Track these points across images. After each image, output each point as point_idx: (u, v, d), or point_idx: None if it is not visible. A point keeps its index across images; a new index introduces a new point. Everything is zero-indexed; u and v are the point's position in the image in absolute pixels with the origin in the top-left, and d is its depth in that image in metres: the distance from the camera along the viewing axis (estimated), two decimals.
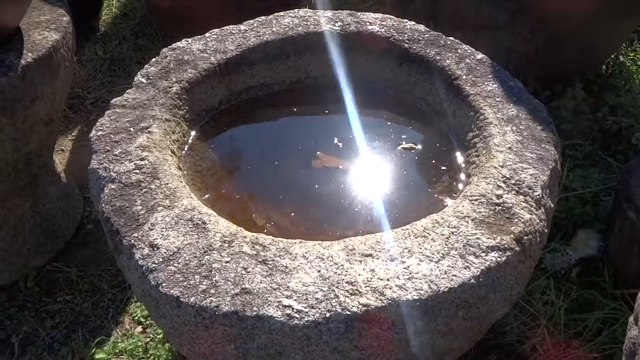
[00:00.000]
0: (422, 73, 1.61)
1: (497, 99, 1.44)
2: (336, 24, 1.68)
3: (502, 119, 1.37)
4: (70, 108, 2.68)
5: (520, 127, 1.35)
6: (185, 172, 1.37)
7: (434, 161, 1.47)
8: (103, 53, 2.96)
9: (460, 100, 1.49)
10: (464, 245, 1.06)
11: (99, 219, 1.23)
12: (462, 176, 1.40)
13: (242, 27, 1.68)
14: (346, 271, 1.01)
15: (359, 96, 1.65)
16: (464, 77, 1.52)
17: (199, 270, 1.02)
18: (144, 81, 1.48)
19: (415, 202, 1.38)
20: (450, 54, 1.57)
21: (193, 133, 1.50)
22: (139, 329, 1.82)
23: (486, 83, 1.49)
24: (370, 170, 1.46)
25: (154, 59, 1.54)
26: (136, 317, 1.84)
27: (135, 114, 1.38)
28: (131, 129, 1.33)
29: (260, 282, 0.99)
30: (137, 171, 1.23)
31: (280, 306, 0.95)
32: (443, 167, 1.44)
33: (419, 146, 1.52)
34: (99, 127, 1.34)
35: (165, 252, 1.05)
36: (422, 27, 1.69)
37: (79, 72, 2.80)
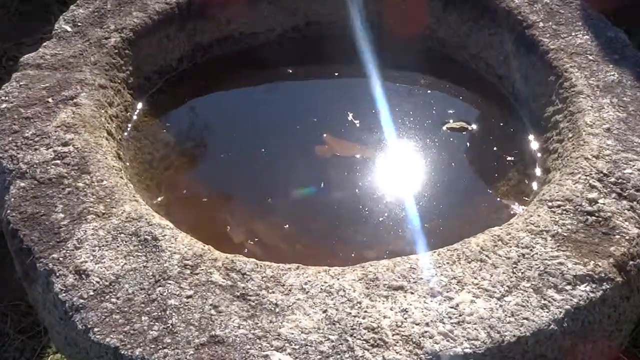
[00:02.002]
0: (479, 19, 1.59)
1: (590, 58, 1.43)
2: None
3: (597, 87, 1.37)
4: None
5: (624, 99, 1.34)
6: (128, 164, 1.36)
7: (495, 148, 1.47)
8: None
9: (535, 59, 1.48)
10: (540, 274, 1.05)
11: (2, 231, 1.23)
12: (538, 171, 1.39)
13: None
14: (365, 311, 1.00)
15: (385, 52, 1.64)
16: (541, 24, 1.51)
17: (148, 308, 1.01)
18: (69, 29, 1.47)
19: (467, 208, 1.37)
20: None
21: (140, 105, 1.49)
22: None
23: (573, 33, 1.48)
24: (400, 161, 1.46)
25: None
26: None
27: (56, 78, 1.37)
28: (49, 100, 1.33)
29: (238, 327, 0.99)
30: (58, 162, 1.22)
31: None
32: (509, 158, 1.44)
33: (473, 126, 1.52)
34: (3, 98, 1.34)
35: (98, 282, 1.05)
36: None
37: None
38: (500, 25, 1.57)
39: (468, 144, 1.49)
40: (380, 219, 1.33)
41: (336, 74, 1.65)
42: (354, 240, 1.29)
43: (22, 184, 1.19)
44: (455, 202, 1.38)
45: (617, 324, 1.09)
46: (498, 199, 1.36)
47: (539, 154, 1.41)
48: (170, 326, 0.99)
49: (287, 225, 1.31)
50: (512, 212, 1.32)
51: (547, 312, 1.01)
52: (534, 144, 1.44)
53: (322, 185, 1.39)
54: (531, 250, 1.09)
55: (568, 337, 1.02)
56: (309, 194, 1.39)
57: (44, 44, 1.47)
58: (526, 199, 1.34)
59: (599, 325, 1.06)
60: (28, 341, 1.92)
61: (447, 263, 1.07)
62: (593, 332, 1.05)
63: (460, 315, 1.00)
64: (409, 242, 1.28)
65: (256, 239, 1.28)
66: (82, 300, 1.03)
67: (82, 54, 1.43)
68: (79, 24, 1.50)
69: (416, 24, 1.70)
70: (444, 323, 0.99)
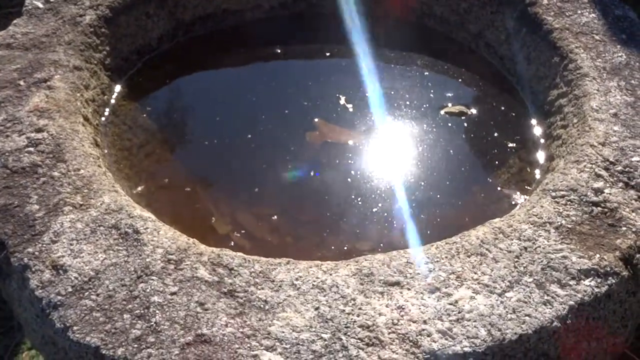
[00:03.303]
0: None
1: (596, 37, 1.43)
2: None
3: (603, 69, 1.37)
4: None
5: (632, 82, 1.35)
6: (106, 151, 1.36)
7: (496, 134, 1.48)
8: None
9: (538, 38, 1.49)
10: (542, 269, 1.06)
11: None
12: (541, 158, 1.40)
13: None
14: (360, 309, 1.01)
15: (379, 29, 1.65)
16: (545, 1, 1.51)
17: (130, 306, 1.01)
18: (40, 5, 1.46)
19: (466, 198, 1.38)
20: None
21: (118, 88, 1.49)
22: None
23: (579, 11, 1.49)
24: (395, 148, 1.46)
25: None
26: None
27: (28, 59, 1.36)
28: (21, 83, 1.32)
29: (226, 326, 0.99)
30: (32, 149, 1.22)
31: None
32: (510, 144, 1.45)
33: (473, 110, 1.53)
34: None
35: (76, 278, 1.05)
36: None
37: None
38: (502, 2, 1.56)
39: (467, 129, 1.49)
40: (374, 209, 1.33)
41: (327, 54, 1.64)
42: (347, 232, 1.30)
43: None
44: (454, 191, 1.38)
45: (622, 320, 1.10)
46: (499, 188, 1.37)
47: (542, 140, 1.42)
48: (154, 324, 0.99)
49: (276, 217, 1.31)
50: (513, 202, 1.33)
51: (550, 308, 1.02)
52: (537, 130, 1.45)
53: (312, 173, 1.39)
54: (534, 243, 1.10)
55: (572, 335, 1.03)
56: (294, 178, 1.40)
57: (14, 21, 1.45)
58: (528, 187, 1.35)
59: (604, 321, 1.07)
60: (1, 338, 1.91)
61: (446, 257, 1.08)
62: (598, 329, 1.06)
63: (459, 312, 1.00)
64: (404, 234, 1.28)
65: (243, 231, 1.28)
66: (59, 297, 1.03)
67: (55, 33, 1.42)
68: None
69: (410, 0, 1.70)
70: (442, 320, 0.99)
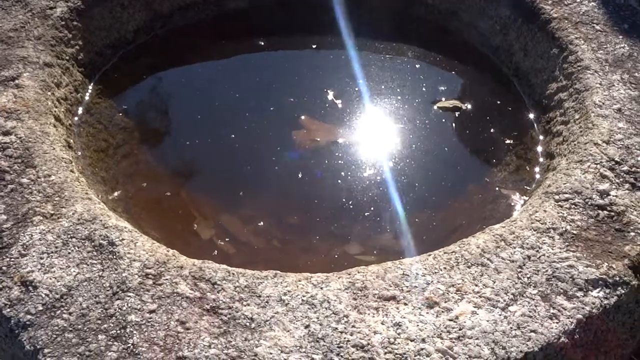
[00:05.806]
0: None
1: (597, 27, 1.41)
2: None
3: (605, 62, 1.34)
4: None
5: (636, 74, 1.32)
6: (79, 153, 1.32)
7: (492, 130, 1.45)
8: None
9: (535, 28, 1.46)
10: (548, 279, 1.02)
11: None
12: (540, 155, 1.37)
13: None
14: (353, 326, 0.97)
15: (368, 19, 1.62)
16: None
17: (106, 325, 0.97)
18: None
19: (461, 199, 1.35)
20: None
21: (92, 85, 1.45)
22: None
23: (578, 0, 1.46)
24: (387, 146, 1.43)
25: None
26: None
27: None
28: None
29: (209, 347, 0.95)
30: None
31: None
32: (507, 141, 1.42)
33: (467, 105, 1.50)
34: None
35: (47, 295, 1.01)
36: None
37: None
38: None
39: (461, 125, 1.46)
40: (366, 213, 1.30)
41: (314, 45, 1.62)
42: (337, 237, 1.26)
43: None
44: (449, 191, 1.36)
45: (631, 331, 1.07)
46: (496, 188, 1.34)
47: (540, 137, 1.40)
48: (132, 346, 0.95)
49: (262, 223, 1.27)
50: (511, 203, 1.30)
51: (557, 322, 0.98)
52: (536, 125, 1.42)
53: (299, 175, 1.36)
54: (537, 251, 1.07)
55: (579, 350, 0.99)
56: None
57: None
58: (527, 187, 1.32)
59: (613, 334, 1.04)
60: None
61: (444, 268, 1.04)
62: (606, 342, 1.03)
63: (460, 329, 0.97)
64: (398, 240, 1.25)
65: (227, 239, 1.24)
66: (29, 316, 0.99)
67: (23, 27, 1.38)
68: None
69: None
70: (442, 338, 0.96)
